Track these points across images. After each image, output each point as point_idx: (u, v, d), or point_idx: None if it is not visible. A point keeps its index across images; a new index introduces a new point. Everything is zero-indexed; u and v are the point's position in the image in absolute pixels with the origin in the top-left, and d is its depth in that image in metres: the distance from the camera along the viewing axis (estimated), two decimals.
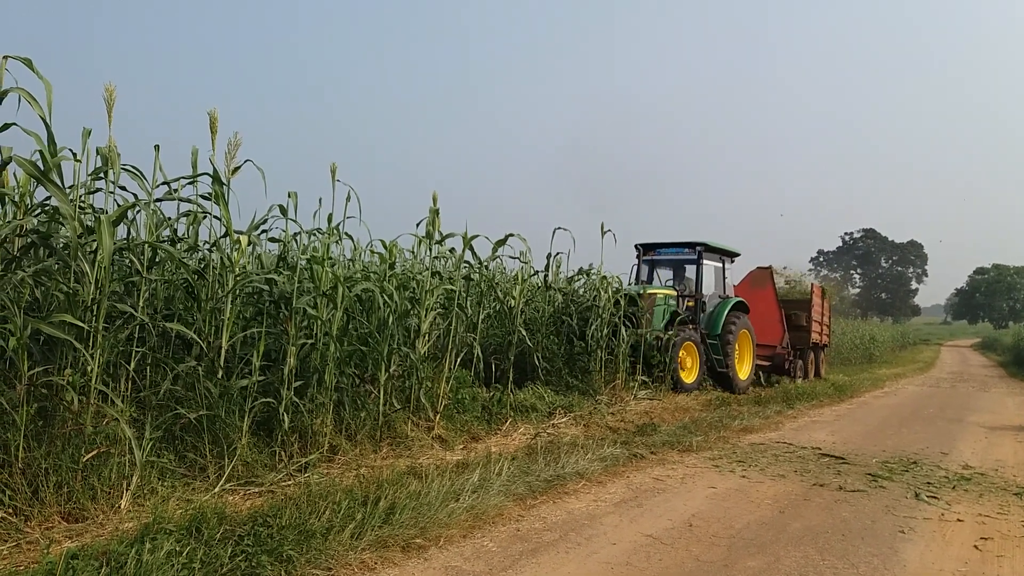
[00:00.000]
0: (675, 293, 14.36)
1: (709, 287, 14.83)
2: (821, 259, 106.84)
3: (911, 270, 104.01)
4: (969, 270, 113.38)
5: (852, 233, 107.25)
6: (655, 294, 13.58)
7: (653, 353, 12.56)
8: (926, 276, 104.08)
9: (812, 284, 20.30)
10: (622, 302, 12.01)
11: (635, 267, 15.26)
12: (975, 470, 7.68)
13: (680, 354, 13.10)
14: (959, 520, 5.74)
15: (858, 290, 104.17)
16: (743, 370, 15.07)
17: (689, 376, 13.37)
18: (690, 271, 15.10)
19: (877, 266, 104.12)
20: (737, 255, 15.90)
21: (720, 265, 15.30)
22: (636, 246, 15.38)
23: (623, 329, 11.85)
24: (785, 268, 21.59)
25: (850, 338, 31.59)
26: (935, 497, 6.44)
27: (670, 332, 12.97)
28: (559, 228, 11.23)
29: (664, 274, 15.72)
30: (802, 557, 4.73)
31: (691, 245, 14.70)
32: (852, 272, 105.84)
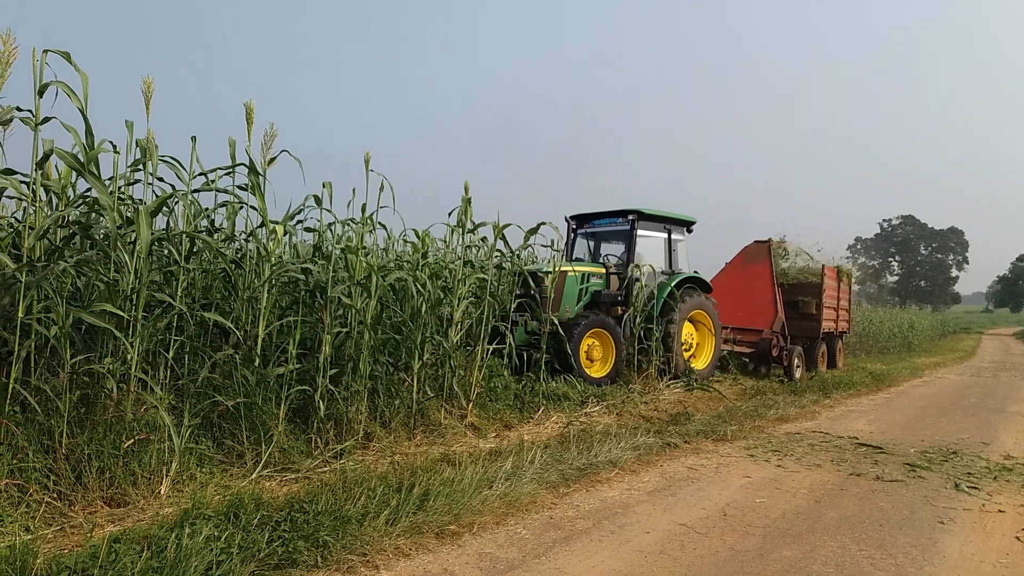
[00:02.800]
0: (602, 270, 12.07)
1: (653, 262, 12.56)
2: (859, 246, 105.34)
3: (951, 257, 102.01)
4: (1012, 256, 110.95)
5: (890, 220, 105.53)
6: (566, 271, 11.17)
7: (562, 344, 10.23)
8: (967, 263, 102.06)
9: (823, 265, 16.87)
10: (530, 281, 9.70)
11: (568, 242, 13.09)
12: (1017, 460, 7.53)
13: (585, 343, 10.85)
14: (1000, 511, 5.64)
15: (896, 278, 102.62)
16: (701, 359, 13.04)
17: (598, 369, 11.01)
18: (645, 245, 12.86)
19: (916, 253, 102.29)
20: (691, 223, 13.56)
21: (666, 236, 13.02)
22: (566, 218, 13.07)
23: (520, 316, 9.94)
24: (785, 238, 17.44)
25: (888, 326, 31.07)
26: (976, 488, 6.33)
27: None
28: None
29: (615, 250, 13.11)
30: (838, 547, 4.68)
31: (623, 213, 12.51)
32: (890, 259, 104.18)
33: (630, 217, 12.35)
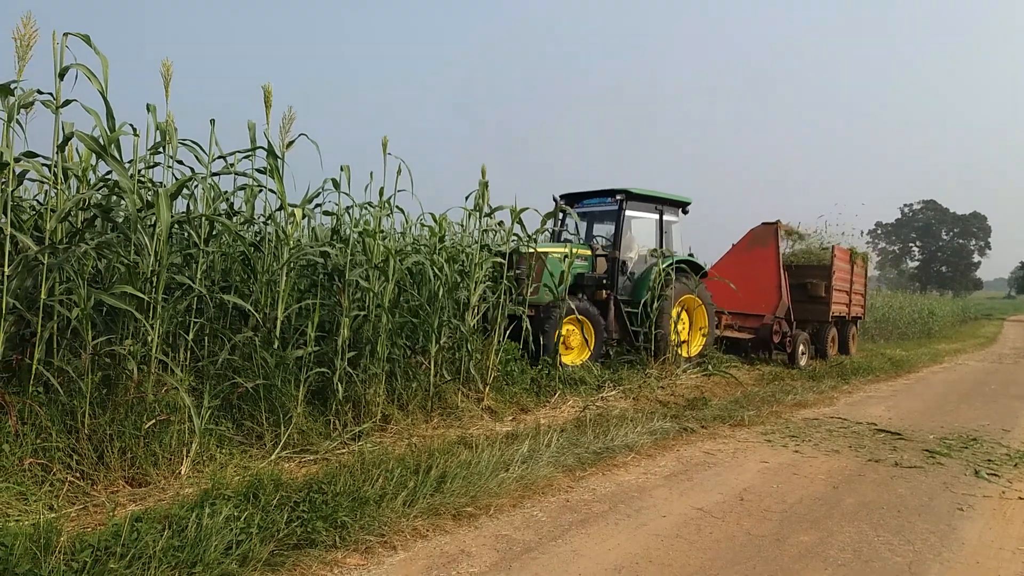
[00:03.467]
0: (587, 252, 11.35)
1: (644, 243, 12.25)
2: (879, 231, 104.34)
3: (973, 242, 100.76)
4: None
5: (911, 204, 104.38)
6: (547, 252, 10.09)
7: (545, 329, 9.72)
8: (989, 249, 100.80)
9: (833, 246, 16.17)
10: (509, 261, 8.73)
11: (557, 222, 12.45)
12: None
13: (566, 328, 10.06)
14: (1020, 498, 5.60)
15: (917, 263, 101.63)
16: (693, 345, 12.45)
17: (575, 357, 10.40)
18: (635, 227, 12.35)
19: (937, 239, 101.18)
20: (685, 204, 12.88)
21: (657, 217, 12.38)
22: (554, 197, 12.00)
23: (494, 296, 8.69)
24: (800, 224, 16.61)
25: (908, 312, 30.80)
26: (995, 474, 6.29)
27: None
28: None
29: (608, 231, 12.43)
30: (856, 533, 4.67)
31: (612, 193, 11.91)
32: (911, 245, 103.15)
33: (618, 197, 11.81)
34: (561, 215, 12.00)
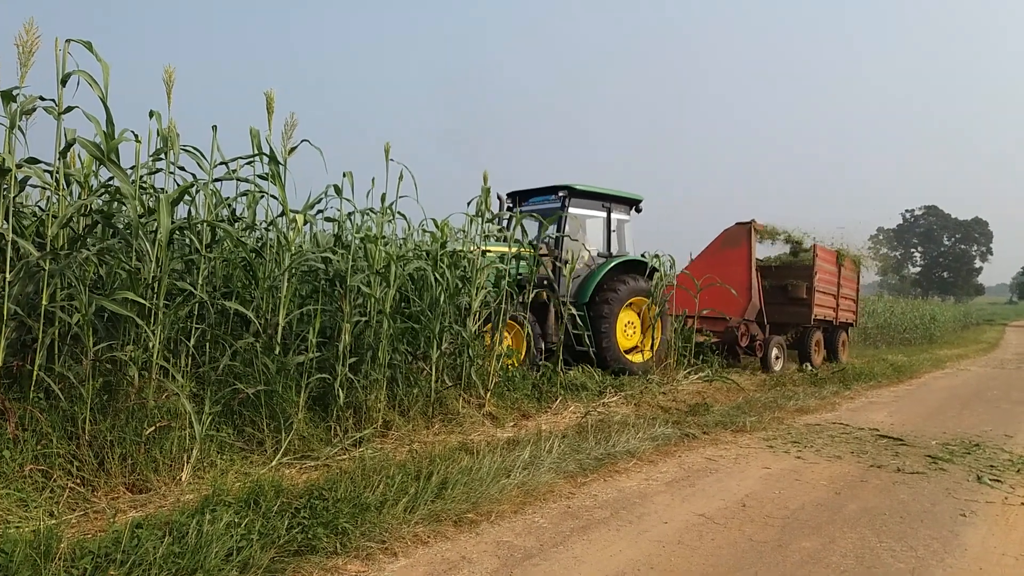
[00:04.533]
0: (529, 252, 9.82)
1: (593, 243, 11.62)
2: (881, 237, 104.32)
3: (975, 248, 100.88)
4: None
5: (913, 210, 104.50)
6: (485, 252, 8.75)
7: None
8: (991, 254, 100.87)
9: (815, 245, 15.39)
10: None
11: (505, 222, 11.23)
12: None
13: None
14: (1023, 504, 5.59)
15: (919, 269, 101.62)
16: (646, 351, 11.66)
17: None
18: (592, 227, 11.80)
19: (939, 244, 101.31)
20: (636, 201, 12.23)
21: (605, 215, 11.78)
22: (498, 196, 11.54)
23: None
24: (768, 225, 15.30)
25: (910, 318, 30.82)
26: (998, 480, 6.27)
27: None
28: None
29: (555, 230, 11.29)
30: (858, 539, 4.65)
31: (555, 190, 11.29)
32: (913, 250, 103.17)
33: (561, 194, 11.18)
34: (508, 214, 10.85)
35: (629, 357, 11.38)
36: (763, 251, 16.23)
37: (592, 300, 11.04)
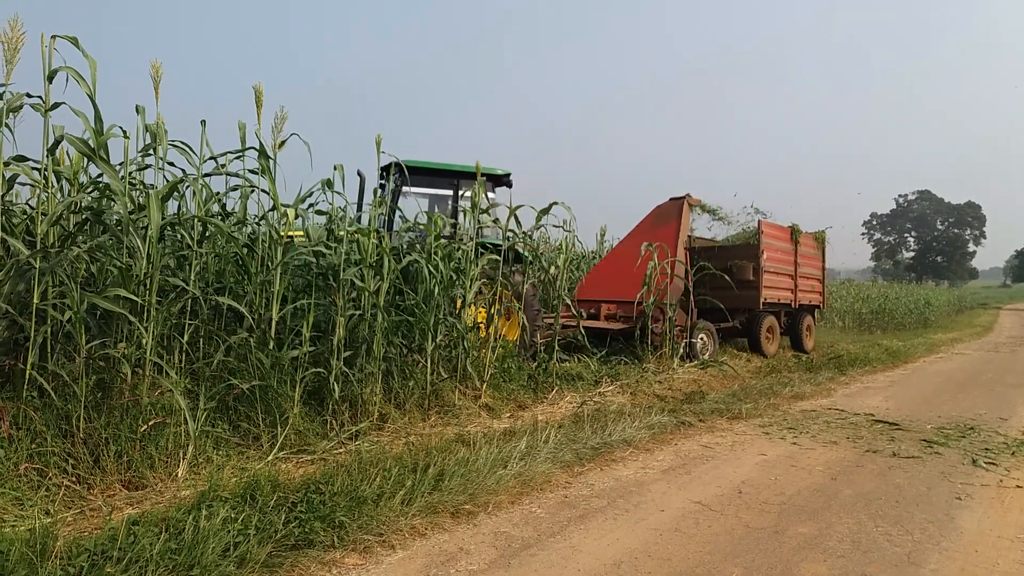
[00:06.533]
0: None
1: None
2: (874, 222, 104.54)
3: (968, 232, 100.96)
4: None
5: (906, 195, 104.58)
6: (292, 237, 7.04)
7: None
8: (984, 238, 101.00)
9: (760, 221, 13.88)
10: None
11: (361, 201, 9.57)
12: None
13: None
14: (1019, 486, 5.61)
15: (912, 254, 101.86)
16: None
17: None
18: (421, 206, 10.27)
19: (932, 228, 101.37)
20: (501, 176, 10.45)
21: (452, 193, 10.43)
22: (358, 172, 9.55)
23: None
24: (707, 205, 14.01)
25: (904, 303, 30.89)
26: (993, 463, 6.29)
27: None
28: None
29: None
30: (855, 524, 4.66)
31: (386, 168, 9.96)
32: (906, 235, 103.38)
33: (395, 174, 9.87)
34: (360, 193, 9.52)
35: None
36: (722, 232, 15.36)
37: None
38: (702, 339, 12.53)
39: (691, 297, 12.74)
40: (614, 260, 13.21)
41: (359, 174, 9.58)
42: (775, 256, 14.16)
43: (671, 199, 13.64)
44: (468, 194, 9.56)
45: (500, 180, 10.69)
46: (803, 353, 15.22)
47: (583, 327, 10.47)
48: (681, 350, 11.69)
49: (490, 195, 10.25)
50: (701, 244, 14.54)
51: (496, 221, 9.70)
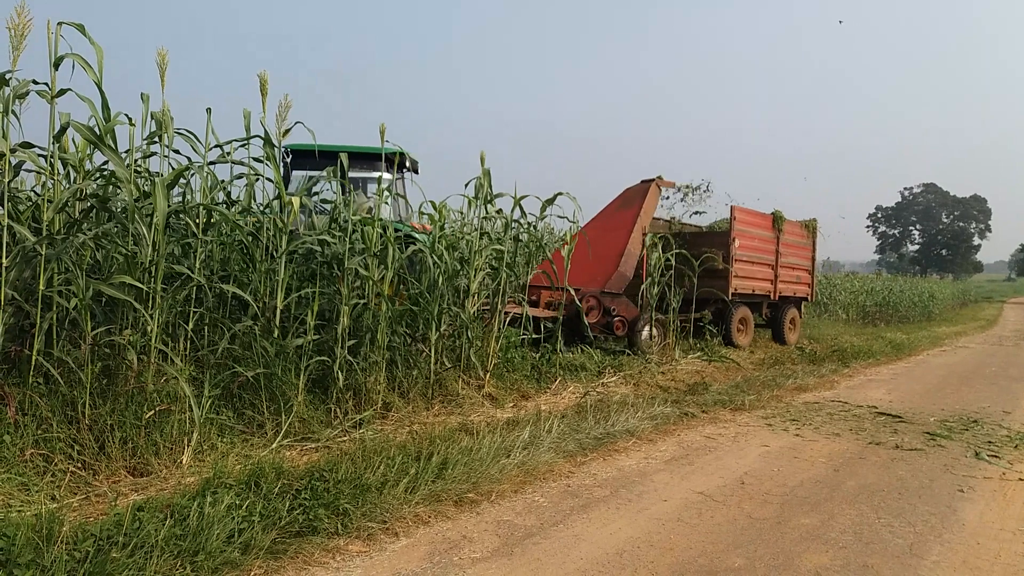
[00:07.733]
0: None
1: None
2: (879, 215, 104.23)
3: (973, 225, 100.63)
4: None
5: (912, 188, 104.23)
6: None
7: None
8: (989, 231, 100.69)
9: (732, 207, 13.06)
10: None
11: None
12: None
13: None
14: (1021, 479, 5.61)
15: (917, 247, 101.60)
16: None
17: None
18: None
19: (937, 222, 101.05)
20: (398, 154, 8.73)
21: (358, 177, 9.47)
22: (285, 150, 8.99)
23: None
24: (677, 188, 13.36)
25: (908, 296, 30.84)
26: (996, 456, 6.30)
27: None
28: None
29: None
30: (857, 515, 4.67)
31: (286, 151, 9.15)
32: (911, 228, 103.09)
33: (287, 159, 9.26)
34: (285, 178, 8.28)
35: None
36: (706, 220, 14.69)
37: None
38: (647, 333, 11.65)
39: (655, 287, 11.85)
40: (580, 245, 11.70)
41: (284, 151, 8.83)
42: (750, 244, 13.44)
43: (642, 181, 12.93)
44: (374, 176, 9.20)
45: (396, 162, 9.13)
46: (784, 345, 14.49)
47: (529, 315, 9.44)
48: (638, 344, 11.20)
49: (386, 175, 9.05)
50: (689, 230, 13.98)
51: (398, 200, 9.14)
